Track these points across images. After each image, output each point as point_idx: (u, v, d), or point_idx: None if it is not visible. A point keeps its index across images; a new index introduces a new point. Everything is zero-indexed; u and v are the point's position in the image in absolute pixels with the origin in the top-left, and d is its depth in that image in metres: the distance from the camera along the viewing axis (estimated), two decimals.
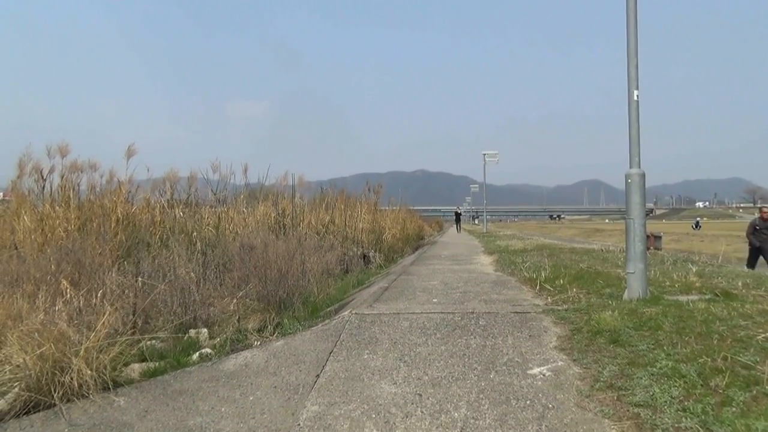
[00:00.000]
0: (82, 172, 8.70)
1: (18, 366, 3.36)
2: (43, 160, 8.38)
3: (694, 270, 7.47)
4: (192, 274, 5.84)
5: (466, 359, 3.77)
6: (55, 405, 3.26)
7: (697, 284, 6.15)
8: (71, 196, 8.23)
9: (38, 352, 3.32)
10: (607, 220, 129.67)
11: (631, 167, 5.53)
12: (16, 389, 3.30)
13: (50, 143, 8.43)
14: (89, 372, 3.36)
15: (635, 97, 5.54)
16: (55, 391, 3.28)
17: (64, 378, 3.32)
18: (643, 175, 5.50)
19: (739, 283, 6.12)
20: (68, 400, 3.30)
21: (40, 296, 4.35)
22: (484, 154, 40.50)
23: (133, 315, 4.75)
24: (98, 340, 3.53)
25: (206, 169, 11.03)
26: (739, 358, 3.24)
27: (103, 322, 3.65)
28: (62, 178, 8.42)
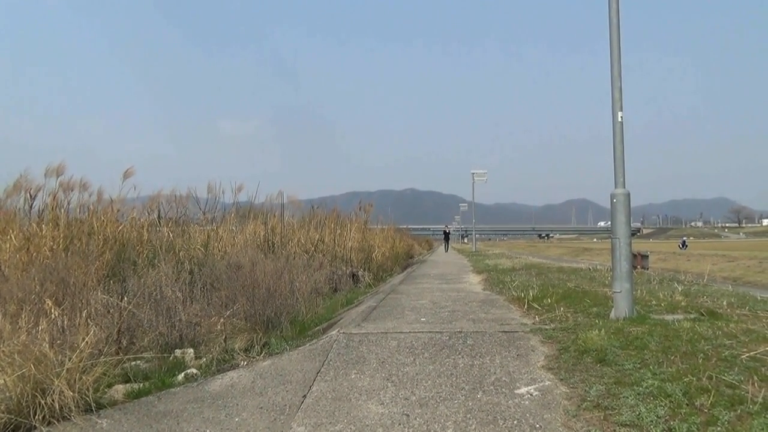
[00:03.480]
0: (72, 191, 8.61)
1: None
2: (37, 180, 8.32)
3: (679, 289, 7.54)
4: (178, 294, 5.78)
5: (454, 379, 3.76)
6: (35, 428, 3.19)
7: (682, 303, 6.20)
8: (60, 215, 8.15)
9: (19, 373, 3.26)
10: (595, 239, 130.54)
11: (616, 187, 5.61)
12: None
13: (40, 162, 8.38)
14: (71, 393, 3.30)
15: (619, 119, 5.65)
16: (35, 414, 3.21)
17: (45, 400, 3.25)
18: (628, 195, 5.58)
19: (724, 303, 6.18)
20: (49, 423, 3.23)
21: (23, 316, 4.27)
22: (473, 173, 40.80)
23: (118, 335, 4.69)
24: (81, 361, 3.48)
25: (195, 188, 11.01)
26: (724, 378, 3.27)
27: (87, 342, 3.60)
28: (53, 197, 8.33)
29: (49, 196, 8.33)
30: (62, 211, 8.27)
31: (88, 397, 3.42)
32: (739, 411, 2.82)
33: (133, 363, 4.62)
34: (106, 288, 5.90)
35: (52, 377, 3.33)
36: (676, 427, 2.68)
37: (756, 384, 3.13)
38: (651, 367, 3.59)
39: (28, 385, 3.26)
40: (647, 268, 14.56)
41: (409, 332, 5.22)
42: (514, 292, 8.09)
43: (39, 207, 8.40)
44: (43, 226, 7.82)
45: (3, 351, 3.42)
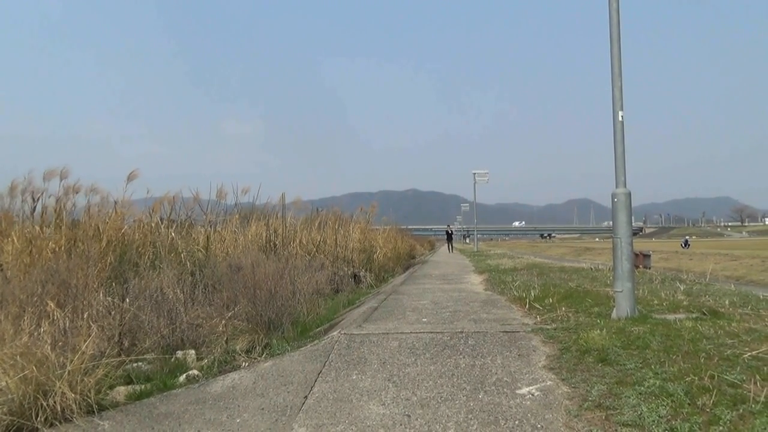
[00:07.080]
0: (77, 193, 8.63)
1: (0, 389, 3.30)
2: (39, 182, 8.36)
3: (681, 289, 7.54)
4: (180, 295, 5.79)
5: (455, 379, 3.76)
6: (38, 429, 3.20)
7: (684, 303, 6.19)
8: (63, 217, 8.16)
9: (21, 375, 3.27)
10: (597, 239, 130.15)
11: (617, 187, 5.60)
12: None
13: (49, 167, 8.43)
14: (73, 395, 3.31)
15: (620, 118, 5.64)
16: (37, 415, 3.22)
17: (47, 401, 3.26)
18: (629, 195, 5.57)
19: (726, 302, 6.17)
20: (51, 425, 3.24)
21: (25, 318, 4.28)
22: (474, 174, 40.80)
23: (119, 337, 4.70)
24: (82, 363, 3.48)
25: (197, 189, 11.03)
26: (726, 377, 3.26)
27: (88, 344, 3.60)
28: (57, 200, 8.33)
29: (51, 198, 8.36)
30: (65, 213, 8.29)
31: (90, 398, 3.42)
32: (741, 410, 2.81)
33: (135, 365, 4.62)
34: (108, 290, 5.91)
35: (53, 379, 3.34)
36: (678, 427, 2.68)
37: (758, 383, 3.13)
38: (653, 366, 3.59)
39: (30, 386, 3.27)
40: (649, 268, 14.53)
41: (411, 333, 5.22)
42: (515, 292, 8.09)
43: (41, 209, 8.42)
44: (45, 228, 7.84)
45: (5, 353, 3.42)
